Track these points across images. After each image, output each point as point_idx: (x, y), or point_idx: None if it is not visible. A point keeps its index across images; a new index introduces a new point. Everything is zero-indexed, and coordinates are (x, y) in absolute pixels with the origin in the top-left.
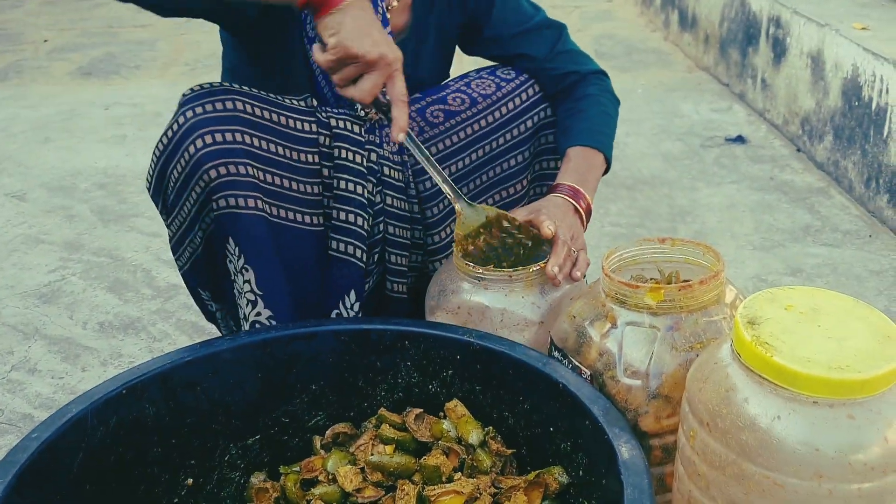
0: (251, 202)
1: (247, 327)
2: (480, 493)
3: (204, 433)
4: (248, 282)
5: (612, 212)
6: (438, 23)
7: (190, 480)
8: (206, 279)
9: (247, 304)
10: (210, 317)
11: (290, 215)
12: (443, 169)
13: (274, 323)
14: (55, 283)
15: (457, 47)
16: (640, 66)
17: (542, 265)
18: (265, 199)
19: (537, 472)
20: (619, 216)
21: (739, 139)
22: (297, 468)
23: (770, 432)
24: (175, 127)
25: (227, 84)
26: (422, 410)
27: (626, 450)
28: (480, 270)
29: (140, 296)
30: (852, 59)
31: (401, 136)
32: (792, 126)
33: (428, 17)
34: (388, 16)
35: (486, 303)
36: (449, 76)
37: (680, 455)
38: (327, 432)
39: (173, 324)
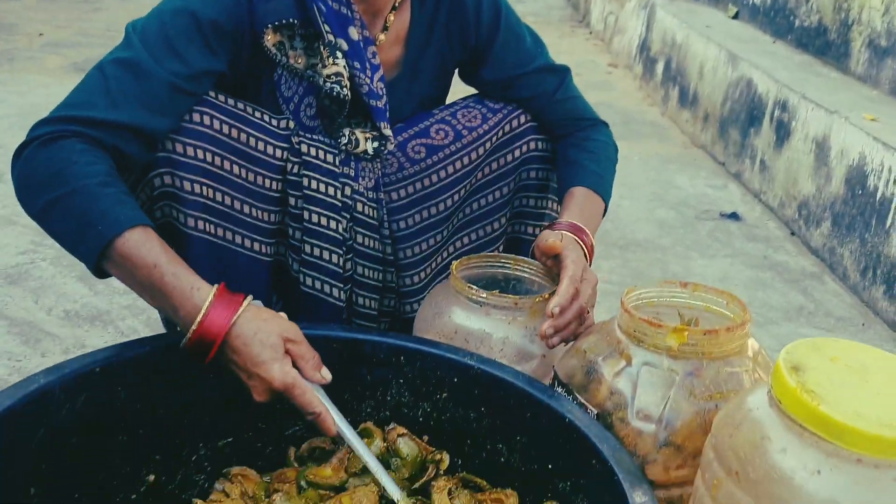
0: (191, 221)
1: None
2: None
3: (174, 428)
4: None
5: (604, 269)
6: (436, 59)
7: (152, 477)
8: None
9: None
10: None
11: (239, 240)
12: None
13: None
14: (23, 265)
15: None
16: (636, 136)
17: (547, 296)
18: (212, 218)
19: None
20: (610, 273)
21: (734, 216)
22: (268, 478)
23: (806, 487)
24: None
25: (206, 93)
26: (406, 431)
27: (639, 495)
28: (484, 294)
29: (111, 289)
30: (860, 147)
31: (333, 429)
32: (788, 209)
33: (425, 52)
34: (377, 52)
35: (488, 329)
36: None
37: None
38: (304, 444)
39: (143, 321)
